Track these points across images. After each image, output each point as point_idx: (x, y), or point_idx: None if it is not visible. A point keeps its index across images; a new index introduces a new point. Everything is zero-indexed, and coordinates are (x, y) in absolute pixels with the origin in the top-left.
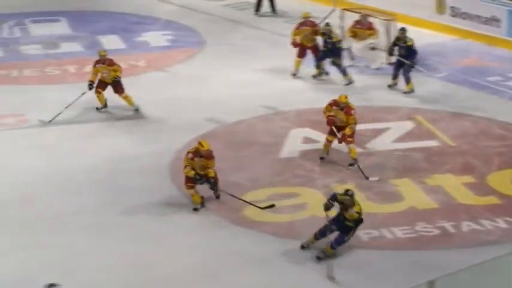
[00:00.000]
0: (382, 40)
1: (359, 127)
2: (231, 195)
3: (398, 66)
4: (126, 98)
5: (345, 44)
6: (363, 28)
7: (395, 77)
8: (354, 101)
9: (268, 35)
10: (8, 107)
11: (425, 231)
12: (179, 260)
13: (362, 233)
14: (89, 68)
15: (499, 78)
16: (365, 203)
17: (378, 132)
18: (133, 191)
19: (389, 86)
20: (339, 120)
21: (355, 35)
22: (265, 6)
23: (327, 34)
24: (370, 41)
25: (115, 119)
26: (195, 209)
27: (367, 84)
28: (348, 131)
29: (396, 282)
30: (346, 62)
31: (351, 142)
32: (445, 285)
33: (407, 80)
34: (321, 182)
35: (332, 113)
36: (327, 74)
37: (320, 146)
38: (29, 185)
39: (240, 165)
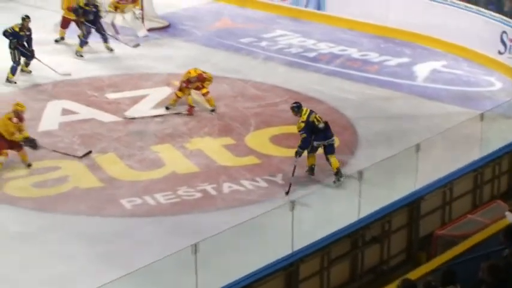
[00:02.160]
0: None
1: (117, 95)
2: (54, 150)
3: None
4: None
5: (107, 18)
6: (127, 3)
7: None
8: (113, 69)
9: None
10: None
11: (187, 195)
12: None
13: (125, 202)
14: None
15: (252, 40)
16: (127, 172)
17: (136, 99)
18: None
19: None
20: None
21: (117, 8)
22: None
23: (91, 3)
24: (135, 11)
25: None
26: None
27: (126, 53)
28: (204, 90)
29: (159, 249)
30: (109, 34)
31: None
32: (207, 248)
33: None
34: (82, 153)
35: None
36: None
37: (79, 117)
38: None
39: None
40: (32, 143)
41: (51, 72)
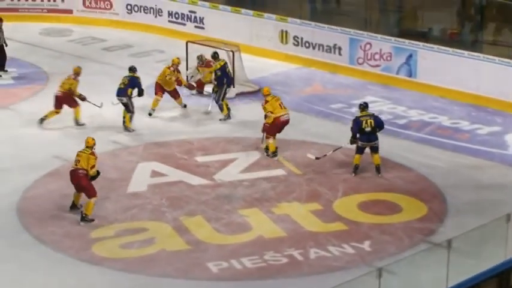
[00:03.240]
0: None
1: (206, 159)
2: None
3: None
4: None
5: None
6: (203, 67)
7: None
8: (202, 133)
9: (113, 69)
10: None
11: (273, 260)
12: None
13: (211, 265)
14: None
15: (342, 106)
16: (214, 235)
17: (225, 163)
18: None
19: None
20: None
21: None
22: None
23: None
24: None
25: None
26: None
27: (214, 116)
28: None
29: None
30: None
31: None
32: None
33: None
34: (170, 216)
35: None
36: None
37: (168, 179)
38: None
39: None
40: None
41: (141, 134)
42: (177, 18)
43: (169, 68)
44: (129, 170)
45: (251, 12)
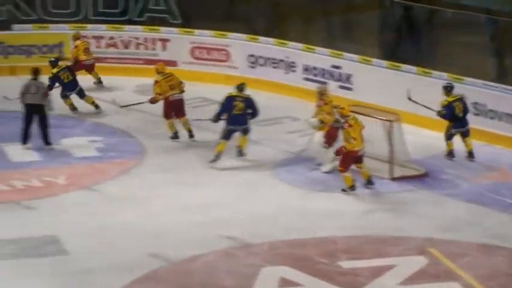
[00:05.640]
0: (379, 144)
1: (354, 265)
2: None
3: None
4: None
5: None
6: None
7: None
8: (349, 229)
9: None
10: None
11: None
12: None
13: None
14: None
15: None
16: None
17: (379, 271)
18: None
19: None
20: None
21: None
22: None
23: None
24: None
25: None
26: None
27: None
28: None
29: None
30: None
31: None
32: None
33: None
34: None
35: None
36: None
37: None
38: None
39: None
40: None
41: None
42: (315, 75)
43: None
44: (249, 276)
45: (414, 68)
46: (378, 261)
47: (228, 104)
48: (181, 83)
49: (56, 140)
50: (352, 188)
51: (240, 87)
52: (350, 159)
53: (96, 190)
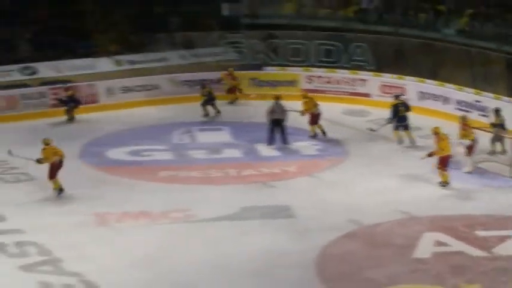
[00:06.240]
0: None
1: (486, 234)
2: None
3: None
4: None
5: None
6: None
7: None
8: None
9: (401, 147)
10: (177, 202)
11: None
12: None
13: None
14: (248, 172)
15: None
16: None
17: (504, 238)
18: (280, 282)
19: None
20: None
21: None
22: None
23: None
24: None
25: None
26: None
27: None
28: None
29: None
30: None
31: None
32: None
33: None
34: (450, 282)
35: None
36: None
37: (452, 249)
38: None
39: (377, 263)
40: None
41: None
42: (463, 106)
43: None
44: (414, 238)
45: None
46: (503, 232)
47: (395, 109)
48: (317, 104)
49: (290, 142)
50: (446, 183)
51: (397, 96)
52: (446, 162)
53: (315, 177)
